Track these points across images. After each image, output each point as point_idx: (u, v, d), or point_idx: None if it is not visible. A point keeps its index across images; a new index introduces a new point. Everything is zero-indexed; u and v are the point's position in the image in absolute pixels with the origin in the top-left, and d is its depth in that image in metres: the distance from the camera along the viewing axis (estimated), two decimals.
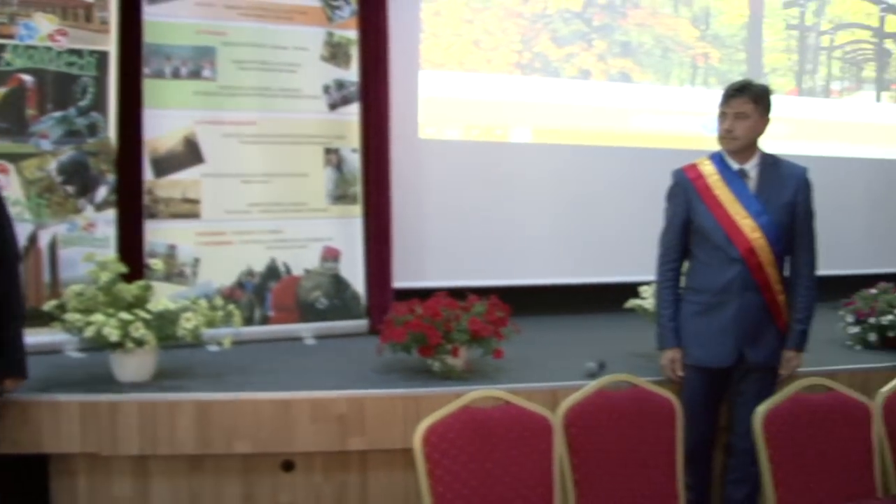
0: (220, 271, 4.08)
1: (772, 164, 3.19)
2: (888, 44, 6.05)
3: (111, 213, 3.83)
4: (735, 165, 3.16)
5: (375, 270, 4.44)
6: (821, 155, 5.71)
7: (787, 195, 3.15)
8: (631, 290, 4.01)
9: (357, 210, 4.39)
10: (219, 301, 3.44)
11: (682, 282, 3.30)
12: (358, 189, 4.39)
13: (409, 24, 4.72)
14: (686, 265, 3.29)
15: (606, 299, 4.62)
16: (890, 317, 4.18)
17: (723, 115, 3.12)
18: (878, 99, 6.09)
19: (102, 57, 3.80)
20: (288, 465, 3.16)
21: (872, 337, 4.24)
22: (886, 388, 2.85)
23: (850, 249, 5.83)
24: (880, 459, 2.75)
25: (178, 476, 3.10)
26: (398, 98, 4.60)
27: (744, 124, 3.08)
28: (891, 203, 6.06)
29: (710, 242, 3.15)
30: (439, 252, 4.83)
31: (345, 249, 4.34)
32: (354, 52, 4.39)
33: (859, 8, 5.98)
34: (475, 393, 2.52)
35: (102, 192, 3.81)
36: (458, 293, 3.60)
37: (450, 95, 4.91)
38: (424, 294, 3.55)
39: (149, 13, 3.94)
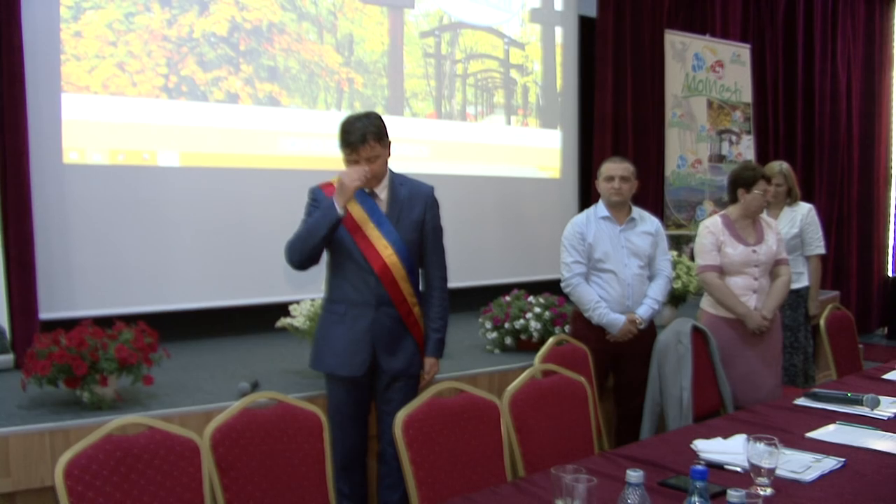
0: None
1: (401, 184, 3.50)
2: (513, 73, 6.97)
3: None
4: (366, 188, 3.41)
5: (19, 302, 4.44)
6: (459, 174, 6.49)
7: (416, 213, 3.47)
8: (282, 309, 4.29)
9: None
10: None
11: (324, 292, 3.58)
12: None
13: (47, 45, 4.70)
14: (327, 276, 3.54)
15: (259, 319, 4.92)
16: (521, 321, 4.78)
17: (355, 162, 3.32)
18: (508, 122, 6.98)
19: None
20: None
21: (508, 340, 4.85)
22: (511, 387, 3.16)
23: (488, 261, 6.62)
24: (508, 450, 3.03)
25: None
26: (38, 122, 4.62)
27: (377, 163, 3.34)
28: (520, 218, 6.93)
29: (347, 258, 3.40)
30: (88, 280, 4.84)
31: None
32: None
33: (487, 40, 6.81)
34: (117, 421, 2.49)
35: None
36: (108, 321, 3.69)
37: (94, 119, 4.91)
38: (73, 324, 3.58)
39: None
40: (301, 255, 3.37)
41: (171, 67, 5.21)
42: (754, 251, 4.39)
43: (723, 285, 4.40)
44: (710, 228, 4.46)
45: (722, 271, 4.42)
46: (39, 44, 4.68)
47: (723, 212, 4.59)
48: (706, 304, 4.55)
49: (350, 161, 3.35)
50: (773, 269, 4.47)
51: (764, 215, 4.61)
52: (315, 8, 5.84)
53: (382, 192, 3.47)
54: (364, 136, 3.30)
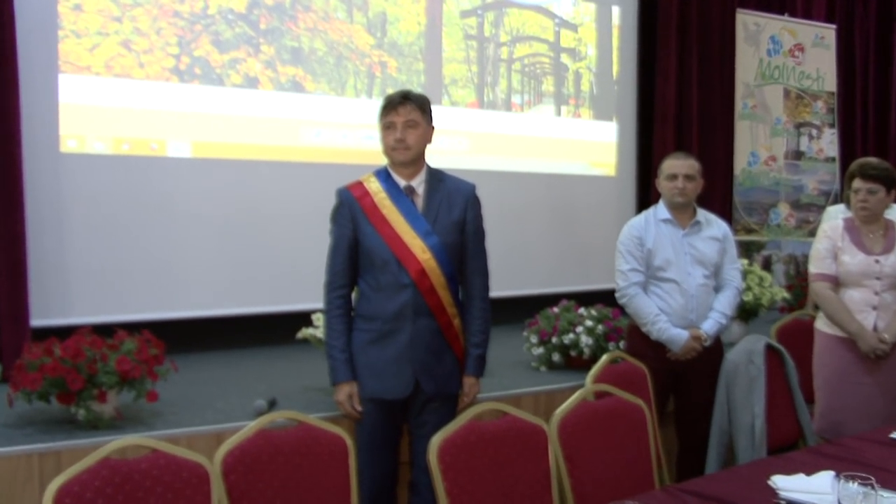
0: None
1: (439, 180, 3.43)
2: (564, 58, 6.86)
3: None
4: (402, 182, 3.36)
5: (8, 308, 4.41)
6: (503, 170, 6.40)
7: (456, 213, 3.39)
8: (304, 318, 4.22)
9: None
10: None
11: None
12: None
13: (43, 21, 4.67)
14: (355, 291, 3.45)
15: (278, 329, 4.80)
16: (571, 336, 4.70)
17: (391, 126, 3.30)
18: (558, 113, 6.87)
19: None
20: None
21: (556, 357, 4.78)
22: (560, 410, 3.11)
23: (534, 268, 6.54)
24: (557, 481, 2.98)
25: None
26: (32, 106, 4.58)
27: (415, 133, 3.30)
28: (570, 219, 6.83)
29: (378, 266, 3.32)
30: (86, 283, 4.81)
31: None
32: None
33: (535, 21, 6.72)
34: (116, 443, 2.45)
35: None
36: (108, 330, 3.63)
37: (96, 104, 4.87)
38: (69, 333, 3.54)
39: None
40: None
41: (183, 47, 5.18)
42: (877, 261, 4.17)
43: (834, 298, 4.20)
44: (829, 233, 4.28)
45: (837, 282, 4.24)
46: (34, 18, 4.65)
47: (849, 215, 4.40)
48: (821, 322, 4.36)
49: (386, 124, 3.33)
50: None
51: None
52: None
53: (420, 186, 3.40)
54: (406, 95, 3.32)
